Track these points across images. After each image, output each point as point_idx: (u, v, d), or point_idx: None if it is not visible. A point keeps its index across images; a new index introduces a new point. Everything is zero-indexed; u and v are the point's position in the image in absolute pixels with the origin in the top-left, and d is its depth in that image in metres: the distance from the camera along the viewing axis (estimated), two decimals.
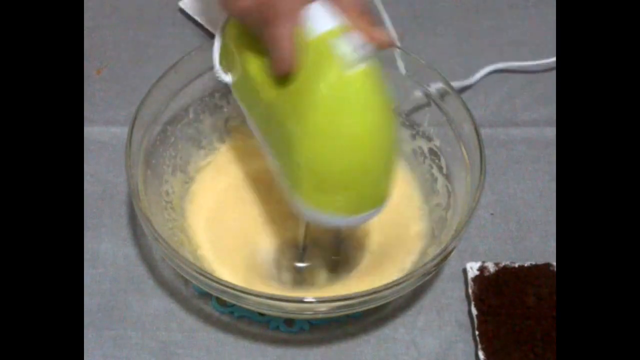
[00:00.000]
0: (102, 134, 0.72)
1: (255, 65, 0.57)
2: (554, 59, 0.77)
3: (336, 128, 0.51)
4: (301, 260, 0.64)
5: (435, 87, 0.66)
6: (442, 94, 0.66)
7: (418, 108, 0.68)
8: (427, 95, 0.67)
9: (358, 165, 0.53)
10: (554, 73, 0.78)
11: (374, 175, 0.54)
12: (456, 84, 0.73)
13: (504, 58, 0.79)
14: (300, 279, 0.64)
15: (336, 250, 0.65)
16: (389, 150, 0.54)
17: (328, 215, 0.54)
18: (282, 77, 0.53)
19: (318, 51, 0.51)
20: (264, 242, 0.65)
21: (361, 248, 0.65)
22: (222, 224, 0.65)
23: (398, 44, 0.67)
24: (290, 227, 0.64)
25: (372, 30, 0.52)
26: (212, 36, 0.63)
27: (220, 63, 0.61)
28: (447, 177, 0.66)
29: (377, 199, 0.55)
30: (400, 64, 0.67)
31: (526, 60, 0.78)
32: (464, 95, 0.65)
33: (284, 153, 0.55)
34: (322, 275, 0.64)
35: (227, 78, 0.61)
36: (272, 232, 0.65)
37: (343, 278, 0.63)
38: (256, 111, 0.59)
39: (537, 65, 0.78)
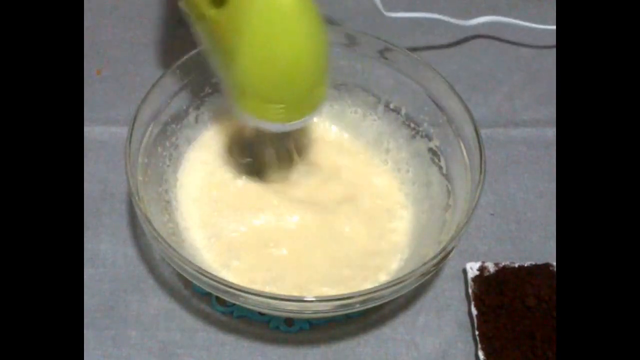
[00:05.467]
0: (102, 134, 0.72)
1: None
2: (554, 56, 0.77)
3: (268, 42, 0.56)
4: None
5: (435, 86, 0.66)
6: (442, 93, 0.66)
7: (417, 107, 0.68)
8: (427, 95, 0.67)
9: (289, 77, 0.57)
10: (554, 73, 0.78)
11: (306, 86, 0.59)
12: (454, 21, 0.76)
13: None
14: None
15: None
16: (318, 63, 0.58)
17: (264, 121, 0.60)
18: None
19: None
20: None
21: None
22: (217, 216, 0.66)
23: None
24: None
25: None
26: None
27: None
28: (447, 177, 0.66)
29: (309, 106, 0.60)
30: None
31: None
32: (464, 94, 0.65)
33: (224, 64, 0.60)
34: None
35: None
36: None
37: None
38: (201, 23, 0.62)
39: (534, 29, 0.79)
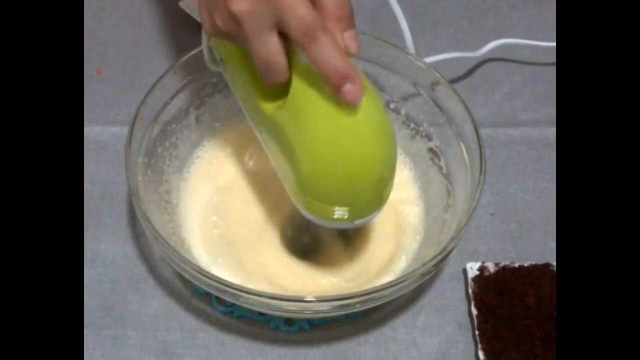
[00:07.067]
0: (102, 134, 0.72)
1: (246, 73, 0.57)
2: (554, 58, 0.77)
3: (333, 147, 0.53)
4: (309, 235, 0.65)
5: (435, 86, 0.66)
6: (442, 93, 0.66)
7: (417, 107, 0.68)
8: (427, 95, 0.67)
9: (355, 182, 0.54)
10: (554, 73, 0.78)
11: (372, 188, 0.55)
12: (463, 55, 0.75)
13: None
14: (311, 250, 0.64)
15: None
16: (386, 163, 0.55)
17: (328, 221, 0.56)
18: (275, 88, 0.54)
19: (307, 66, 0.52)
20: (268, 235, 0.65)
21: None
22: (220, 221, 0.66)
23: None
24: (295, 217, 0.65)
25: (338, 38, 0.52)
26: None
27: (211, 58, 0.61)
28: (447, 177, 0.66)
29: (375, 206, 0.57)
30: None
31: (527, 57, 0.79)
32: (464, 94, 0.65)
33: (284, 160, 0.56)
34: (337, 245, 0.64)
35: (221, 69, 0.61)
36: (275, 224, 0.66)
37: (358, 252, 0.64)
38: (254, 115, 0.60)
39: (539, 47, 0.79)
